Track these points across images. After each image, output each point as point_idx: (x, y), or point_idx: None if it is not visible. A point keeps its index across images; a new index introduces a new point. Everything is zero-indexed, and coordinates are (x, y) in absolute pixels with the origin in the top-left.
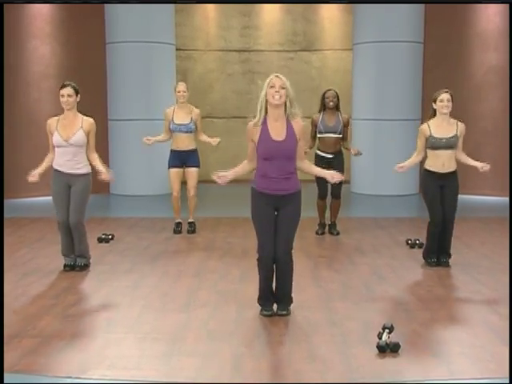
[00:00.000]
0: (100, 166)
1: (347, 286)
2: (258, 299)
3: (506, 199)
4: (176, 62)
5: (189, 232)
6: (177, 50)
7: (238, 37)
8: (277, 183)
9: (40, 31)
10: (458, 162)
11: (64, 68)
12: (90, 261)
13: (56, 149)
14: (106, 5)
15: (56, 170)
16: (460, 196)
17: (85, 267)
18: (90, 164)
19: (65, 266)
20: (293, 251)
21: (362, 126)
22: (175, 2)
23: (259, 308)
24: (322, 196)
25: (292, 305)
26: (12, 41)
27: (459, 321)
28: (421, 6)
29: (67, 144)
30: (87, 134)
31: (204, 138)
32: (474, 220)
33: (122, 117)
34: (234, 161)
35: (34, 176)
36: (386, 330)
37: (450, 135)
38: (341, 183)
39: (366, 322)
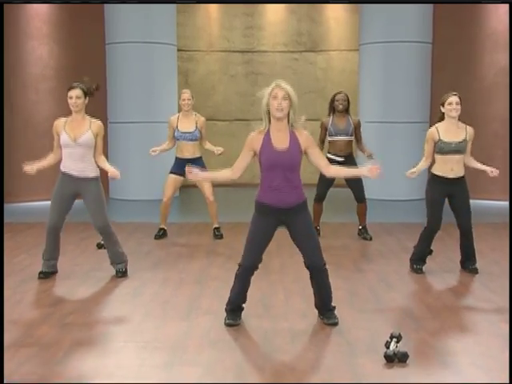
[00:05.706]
0: (108, 167)
1: (354, 293)
2: (227, 309)
3: None
4: (177, 63)
5: (217, 237)
6: (178, 50)
7: (241, 37)
8: (280, 194)
9: (38, 32)
10: (467, 167)
11: (62, 69)
12: (126, 266)
13: (63, 150)
14: (105, 5)
15: (64, 174)
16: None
17: (125, 273)
18: (98, 167)
19: (40, 272)
20: (298, 258)
21: (369, 128)
22: (175, 2)
23: (260, 317)
24: (320, 199)
25: (296, 313)
26: (9, 41)
27: (469, 330)
28: (429, 6)
29: (75, 144)
30: (95, 137)
31: (208, 145)
32: (484, 225)
33: (122, 119)
34: None
35: (31, 168)
36: (394, 339)
37: (460, 140)
38: (362, 186)
39: (374, 330)
